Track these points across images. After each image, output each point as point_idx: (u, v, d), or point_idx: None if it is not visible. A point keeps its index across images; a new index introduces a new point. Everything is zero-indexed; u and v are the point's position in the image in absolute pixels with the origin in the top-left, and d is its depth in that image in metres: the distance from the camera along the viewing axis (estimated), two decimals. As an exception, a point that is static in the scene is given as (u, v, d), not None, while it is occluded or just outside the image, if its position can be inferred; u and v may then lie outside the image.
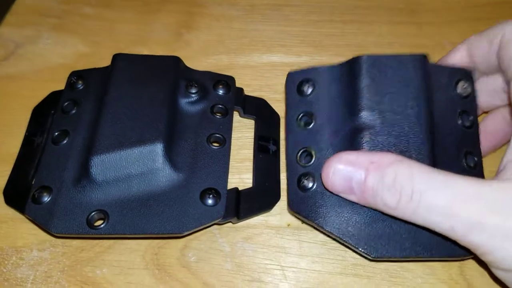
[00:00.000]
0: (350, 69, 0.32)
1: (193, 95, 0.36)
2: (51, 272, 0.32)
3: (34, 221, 0.32)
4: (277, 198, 0.35)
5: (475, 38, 0.33)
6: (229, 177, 0.34)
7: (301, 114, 0.34)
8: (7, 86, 0.42)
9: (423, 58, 0.32)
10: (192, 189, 0.32)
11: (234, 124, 0.38)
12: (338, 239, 0.30)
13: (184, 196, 0.32)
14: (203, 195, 0.32)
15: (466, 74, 0.33)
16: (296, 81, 0.35)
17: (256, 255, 0.33)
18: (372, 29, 0.46)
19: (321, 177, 0.29)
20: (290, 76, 0.35)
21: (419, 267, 0.32)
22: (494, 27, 0.32)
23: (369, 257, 0.30)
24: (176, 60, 0.38)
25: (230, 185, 0.34)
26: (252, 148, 0.37)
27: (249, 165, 0.37)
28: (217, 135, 0.36)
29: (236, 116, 0.39)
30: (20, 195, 0.33)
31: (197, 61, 0.43)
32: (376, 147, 0.30)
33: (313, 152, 0.33)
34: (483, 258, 0.25)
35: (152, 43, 0.46)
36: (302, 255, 0.33)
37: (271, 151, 0.37)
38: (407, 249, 0.29)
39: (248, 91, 0.41)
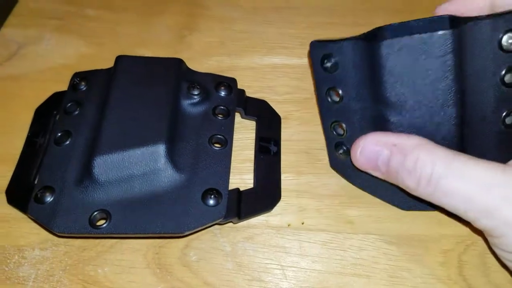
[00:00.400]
0: (370, 50, 0.30)
1: (195, 97, 0.37)
2: (53, 271, 0.32)
3: (36, 220, 0.32)
4: (277, 198, 0.35)
5: None
6: (231, 177, 0.35)
7: (328, 90, 0.34)
8: (10, 86, 0.43)
9: (456, 20, 0.27)
10: (193, 189, 0.33)
11: (236, 125, 0.38)
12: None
13: (185, 196, 0.32)
14: (205, 195, 0.32)
15: None
16: (320, 54, 0.33)
17: (256, 254, 0.33)
18: (372, 31, 0.47)
19: (350, 154, 0.32)
20: (313, 47, 0.33)
21: (418, 267, 0.32)
22: None
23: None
24: (178, 62, 0.38)
25: (231, 186, 0.34)
26: (253, 149, 0.37)
27: (250, 165, 0.37)
28: (219, 136, 0.36)
29: (237, 117, 0.40)
30: (22, 195, 0.34)
31: (199, 63, 0.44)
32: (403, 128, 0.30)
33: (344, 126, 0.34)
34: (490, 239, 0.28)
35: (154, 45, 0.46)
36: (302, 255, 0.33)
37: (272, 152, 0.37)
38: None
39: (249, 93, 0.41)
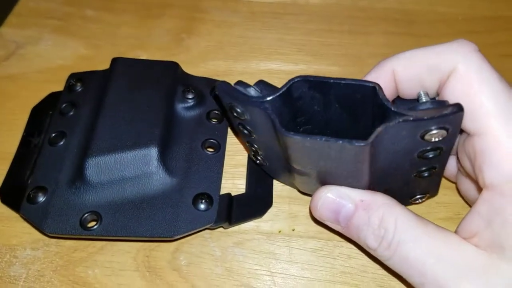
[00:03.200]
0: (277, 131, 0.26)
1: (190, 101, 0.37)
2: (44, 271, 0.33)
3: (28, 220, 0.32)
4: (269, 204, 0.35)
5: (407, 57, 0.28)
6: (223, 182, 0.35)
7: (240, 127, 0.30)
8: (7, 86, 0.43)
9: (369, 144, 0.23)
10: (185, 193, 0.33)
11: (230, 130, 0.38)
12: None
13: (177, 200, 0.32)
14: (196, 199, 0.32)
15: (445, 120, 0.23)
16: (227, 102, 0.28)
17: (246, 260, 0.33)
18: (369, 39, 0.47)
19: (310, 204, 0.30)
20: (220, 90, 0.28)
21: (407, 277, 0.32)
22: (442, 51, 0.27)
23: None
24: (174, 66, 0.38)
25: (223, 190, 0.34)
26: (247, 154, 0.38)
27: (243, 171, 0.37)
28: (212, 140, 0.36)
29: (232, 122, 0.40)
30: (15, 195, 0.34)
31: (195, 66, 0.44)
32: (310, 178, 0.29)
33: (260, 153, 0.33)
34: None
35: (152, 48, 0.46)
36: (292, 262, 0.33)
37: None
38: None
39: (244, 98, 0.41)
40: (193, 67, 0.42)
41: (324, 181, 0.29)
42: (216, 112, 0.38)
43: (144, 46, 0.46)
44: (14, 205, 0.33)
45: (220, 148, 0.36)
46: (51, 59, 0.45)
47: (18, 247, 0.34)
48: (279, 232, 0.35)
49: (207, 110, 0.38)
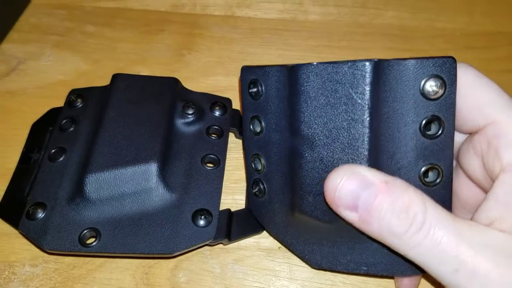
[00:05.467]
0: (291, 77, 0.28)
1: (190, 116, 0.37)
2: (42, 288, 0.32)
3: (27, 236, 0.32)
4: (269, 220, 0.35)
5: None
6: (223, 197, 0.35)
7: (252, 119, 0.32)
8: (8, 101, 0.43)
9: (373, 63, 0.25)
10: (184, 209, 0.33)
11: (230, 145, 0.38)
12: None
13: (176, 217, 0.32)
14: (195, 215, 0.32)
15: (440, 69, 0.26)
16: (248, 79, 0.32)
17: (246, 277, 0.33)
18: (368, 55, 0.47)
19: (324, 187, 0.26)
20: (243, 71, 0.32)
21: (408, 294, 0.32)
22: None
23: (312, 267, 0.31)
24: (174, 81, 0.39)
25: (223, 206, 0.34)
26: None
27: (243, 186, 0.37)
28: (212, 156, 0.36)
29: (232, 137, 0.40)
30: (15, 210, 0.33)
31: (195, 82, 0.44)
32: (316, 168, 0.28)
33: (262, 161, 0.32)
34: None
35: (153, 63, 0.46)
36: (292, 279, 0.33)
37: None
38: (343, 264, 0.30)
39: (244, 113, 0.41)
40: (193, 83, 0.42)
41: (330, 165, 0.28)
42: (216, 127, 0.38)
43: (145, 61, 0.47)
44: (13, 221, 0.33)
45: (219, 163, 0.36)
46: (52, 74, 0.45)
47: (17, 264, 0.34)
48: (279, 248, 0.34)
49: (207, 126, 0.38)
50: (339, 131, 0.27)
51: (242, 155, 0.39)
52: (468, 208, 0.31)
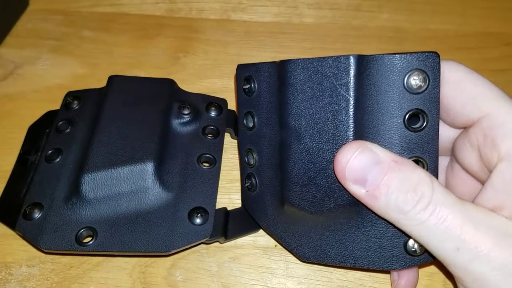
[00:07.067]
0: (280, 72, 0.29)
1: (186, 116, 0.37)
2: (39, 289, 0.32)
3: (24, 236, 0.32)
4: (265, 219, 0.35)
5: None
6: (219, 197, 0.35)
7: (245, 114, 0.33)
8: (5, 105, 0.43)
9: (356, 57, 0.26)
10: (180, 208, 0.33)
11: (226, 145, 0.38)
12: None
13: (172, 215, 0.32)
14: (191, 214, 0.32)
15: (424, 64, 0.26)
16: (242, 76, 0.33)
17: (242, 275, 0.33)
18: (362, 56, 0.47)
19: (335, 160, 0.26)
20: (238, 69, 0.34)
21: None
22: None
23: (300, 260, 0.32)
24: (170, 82, 0.39)
25: (219, 205, 0.34)
26: (242, 170, 0.38)
27: (238, 185, 0.37)
28: (208, 155, 0.36)
29: (228, 137, 0.40)
30: (11, 211, 0.34)
31: (192, 84, 0.44)
32: (303, 159, 0.28)
33: (254, 156, 0.33)
34: (468, 285, 0.24)
35: (149, 67, 0.47)
36: (289, 276, 0.33)
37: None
38: (331, 257, 0.30)
39: (240, 114, 0.41)
40: (189, 85, 0.43)
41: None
42: (212, 127, 0.38)
43: (141, 65, 0.47)
44: (10, 222, 0.33)
45: (215, 162, 0.36)
46: (49, 78, 0.45)
47: (13, 265, 0.34)
48: (275, 246, 0.34)
49: (202, 126, 0.38)
50: (324, 122, 0.27)
51: (237, 156, 0.39)
52: None
